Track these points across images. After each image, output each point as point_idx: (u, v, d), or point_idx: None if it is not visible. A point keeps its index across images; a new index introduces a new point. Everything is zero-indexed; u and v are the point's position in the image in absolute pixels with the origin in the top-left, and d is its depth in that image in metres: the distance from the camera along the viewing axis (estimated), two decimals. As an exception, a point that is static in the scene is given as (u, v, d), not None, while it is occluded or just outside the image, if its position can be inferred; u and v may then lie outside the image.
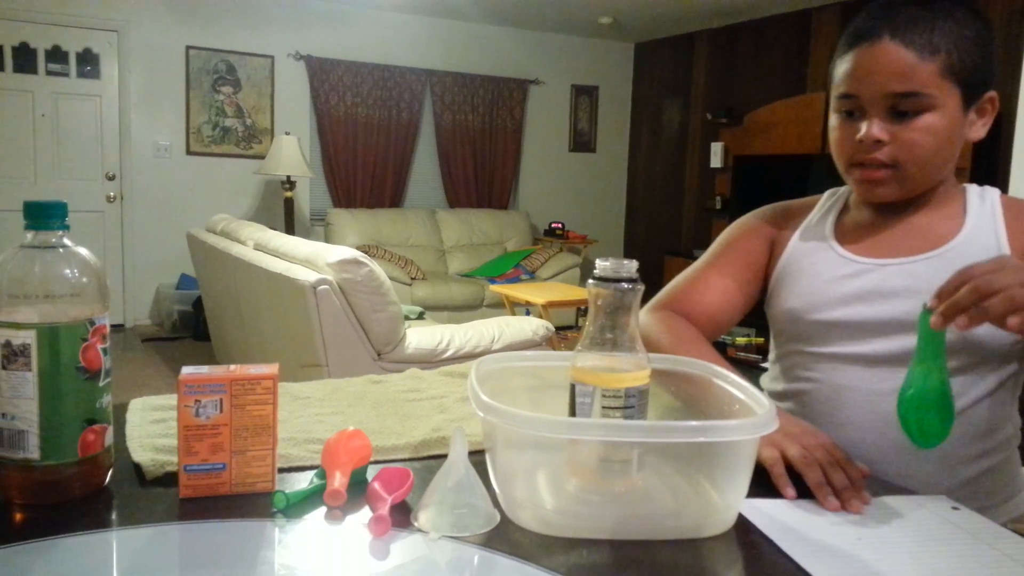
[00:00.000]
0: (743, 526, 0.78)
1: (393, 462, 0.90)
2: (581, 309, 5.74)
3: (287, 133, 5.90)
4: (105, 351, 0.79)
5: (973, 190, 1.13)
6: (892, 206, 1.10)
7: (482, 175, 7.05)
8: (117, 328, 5.92)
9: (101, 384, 0.79)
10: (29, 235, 0.77)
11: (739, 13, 6.34)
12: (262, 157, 6.00)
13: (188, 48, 5.91)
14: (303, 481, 0.84)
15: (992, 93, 1.05)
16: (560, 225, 7.17)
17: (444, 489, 0.76)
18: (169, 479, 0.82)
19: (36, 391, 0.74)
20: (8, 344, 0.73)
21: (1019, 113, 2.51)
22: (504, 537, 0.74)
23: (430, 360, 3.05)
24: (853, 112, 1.04)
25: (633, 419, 0.80)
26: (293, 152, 5.72)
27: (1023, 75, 2.51)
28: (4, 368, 0.74)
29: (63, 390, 0.75)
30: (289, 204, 5.82)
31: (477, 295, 5.92)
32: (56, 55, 5.56)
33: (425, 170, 6.88)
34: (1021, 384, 1.09)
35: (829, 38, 5.87)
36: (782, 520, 0.79)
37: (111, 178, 5.79)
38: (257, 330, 3.65)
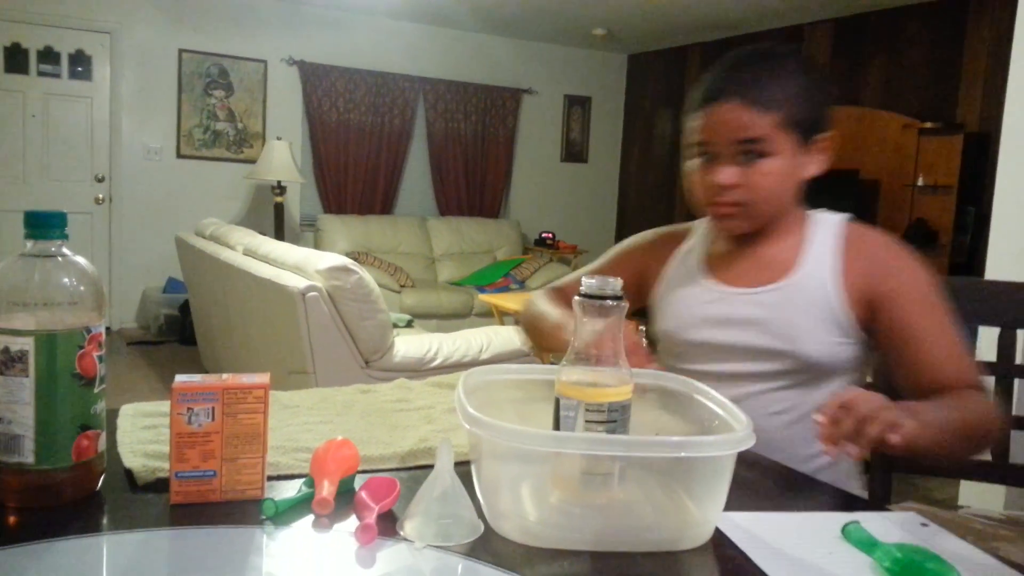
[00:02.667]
0: (720, 539, 0.80)
1: (380, 472, 0.92)
2: (569, 319, 5.74)
3: (279, 138, 5.91)
4: (100, 358, 0.80)
5: (816, 220, 1.27)
6: (744, 236, 1.25)
7: (473, 183, 7.08)
8: (104, 330, 5.90)
9: (96, 391, 0.80)
10: (29, 244, 0.78)
11: (732, 27, 6.40)
12: (253, 162, 6.00)
13: (181, 51, 5.91)
14: (292, 489, 0.85)
15: (828, 134, 1.21)
16: (551, 235, 7.19)
17: (430, 499, 0.78)
18: (160, 485, 0.83)
19: (32, 396, 0.76)
20: (6, 350, 0.75)
21: (1003, 133, 2.55)
22: (488, 547, 0.75)
23: (418, 369, 3.06)
24: (707, 155, 1.20)
25: (615, 433, 0.82)
26: (284, 157, 5.73)
27: (1007, 96, 2.55)
28: (2, 373, 0.75)
29: (59, 396, 0.77)
30: (279, 209, 5.83)
31: (466, 304, 5.93)
32: (48, 56, 5.56)
33: (416, 177, 6.90)
34: None
35: (821, 53, 5.93)
36: (757, 534, 0.81)
37: (100, 180, 5.78)
38: (245, 336, 3.66)
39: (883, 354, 1.21)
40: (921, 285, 1.17)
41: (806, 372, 1.18)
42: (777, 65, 1.17)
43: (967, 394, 1.10)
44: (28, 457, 0.76)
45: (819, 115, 1.19)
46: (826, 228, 1.25)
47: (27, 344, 0.75)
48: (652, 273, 1.36)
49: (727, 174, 1.16)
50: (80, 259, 0.80)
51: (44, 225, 0.78)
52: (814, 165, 1.22)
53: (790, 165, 1.17)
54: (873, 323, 1.18)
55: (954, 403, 1.07)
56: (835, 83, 5.77)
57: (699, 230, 1.36)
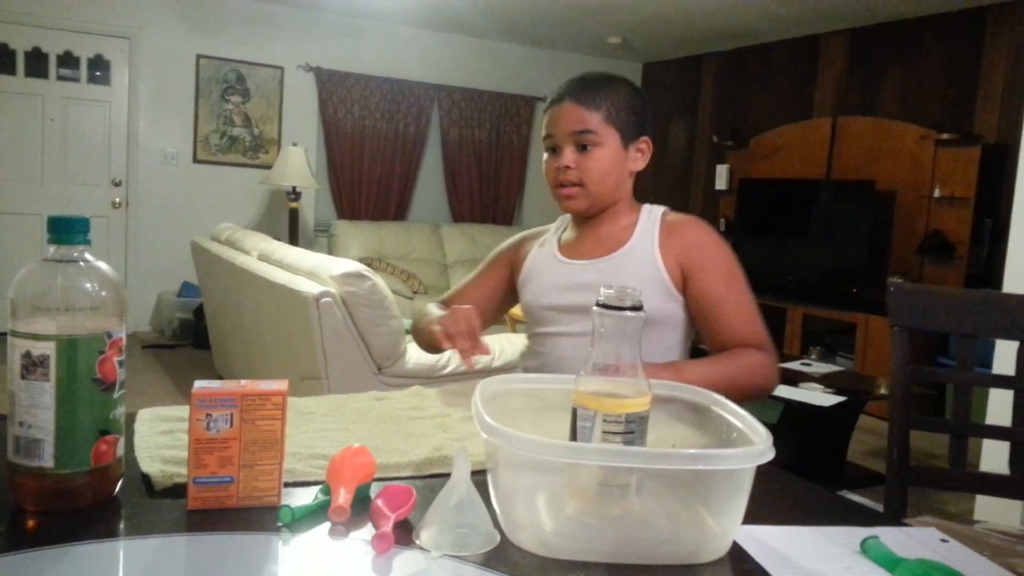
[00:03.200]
0: (738, 553, 0.79)
1: (396, 480, 0.92)
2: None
3: (294, 144, 5.94)
4: (120, 363, 0.81)
5: (646, 209, 1.54)
6: (586, 219, 1.54)
7: (487, 190, 7.09)
8: (119, 333, 5.93)
9: (116, 396, 0.81)
10: (52, 249, 0.79)
11: (747, 37, 6.39)
12: (268, 167, 6.03)
13: (199, 57, 5.96)
14: (308, 496, 0.85)
15: (646, 138, 1.51)
16: (563, 242, 7.18)
17: (446, 508, 0.77)
18: (177, 490, 0.84)
19: (53, 401, 0.76)
20: (28, 355, 0.75)
21: (1022, 145, 2.53)
22: (503, 557, 0.75)
23: (430, 376, 3.07)
24: (553, 149, 1.48)
25: (633, 445, 0.82)
26: (299, 163, 5.76)
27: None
28: (23, 378, 0.76)
29: (79, 401, 0.77)
30: (294, 215, 5.85)
31: (478, 310, 5.92)
32: (67, 60, 5.61)
33: (430, 184, 6.92)
34: (688, 348, 1.52)
35: (837, 64, 5.91)
36: (775, 548, 0.81)
37: (117, 184, 5.82)
38: (258, 341, 3.67)
39: (693, 317, 1.47)
40: (722, 260, 1.46)
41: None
42: (609, 81, 1.48)
43: (748, 352, 1.39)
44: (48, 461, 0.77)
45: (639, 121, 1.49)
46: (652, 214, 1.53)
47: (49, 349, 0.75)
48: (518, 268, 1.62)
49: (566, 158, 1.45)
50: (102, 264, 0.80)
51: (67, 230, 0.78)
52: (636, 162, 1.51)
53: (616, 156, 1.46)
54: (685, 290, 1.45)
55: (728, 359, 1.37)
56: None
57: (556, 225, 1.63)
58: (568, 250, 1.55)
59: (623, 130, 1.46)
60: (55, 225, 0.78)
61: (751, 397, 1.38)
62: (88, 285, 0.78)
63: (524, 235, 1.69)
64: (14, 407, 0.77)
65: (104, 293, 0.79)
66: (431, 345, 1.54)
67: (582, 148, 1.44)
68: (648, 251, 1.46)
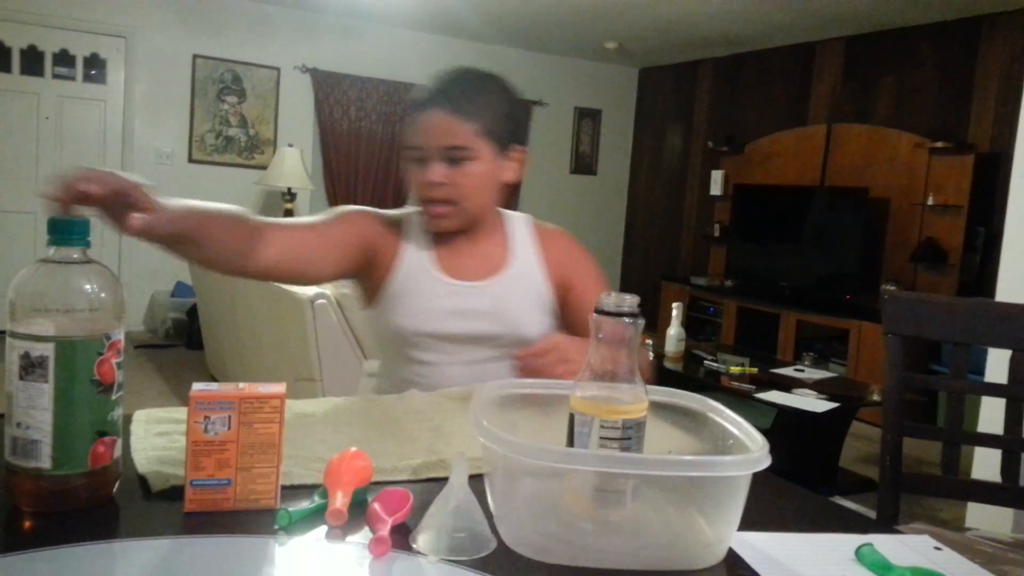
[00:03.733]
0: (733, 560, 0.80)
1: (392, 483, 0.92)
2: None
3: (290, 145, 5.94)
4: (119, 365, 0.81)
5: (511, 217, 1.49)
6: (456, 233, 1.41)
7: (482, 193, 7.09)
8: (112, 332, 5.92)
9: (113, 397, 0.81)
10: (51, 250, 0.79)
11: (744, 43, 6.42)
12: (264, 168, 6.03)
13: (195, 57, 5.95)
14: (305, 499, 0.85)
15: (521, 147, 1.42)
16: (558, 246, 7.20)
17: (443, 513, 0.78)
18: (174, 492, 0.84)
19: (51, 402, 0.76)
20: (27, 355, 0.75)
21: (1016, 154, 2.54)
22: (500, 562, 0.75)
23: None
24: (420, 160, 1.34)
25: (630, 451, 0.82)
26: (295, 164, 5.76)
27: (1020, 117, 2.55)
28: (21, 379, 0.76)
29: (77, 402, 0.77)
30: (289, 215, 5.85)
31: (473, 313, 5.93)
32: (63, 59, 5.60)
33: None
34: None
35: (832, 71, 5.94)
36: (771, 555, 0.81)
37: (113, 183, 5.81)
38: (252, 342, 3.66)
39: (567, 328, 1.44)
40: (595, 269, 1.48)
41: (519, 348, 1.27)
42: (481, 83, 1.37)
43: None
44: (45, 462, 0.77)
45: (514, 129, 1.39)
46: (520, 225, 1.48)
47: (47, 350, 0.75)
48: (382, 253, 1.40)
49: (437, 172, 1.32)
50: (102, 265, 0.80)
51: (67, 231, 0.78)
52: (510, 172, 1.41)
53: (490, 169, 1.36)
54: (563, 302, 1.44)
55: None
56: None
57: (412, 227, 1.43)
58: (448, 267, 1.41)
59: (498, 141, 1.36)
60: (55, 226, 0.78)
61: None
62: (87, 286, 0.78)
63: (385, 218, 1.44)
64: (12, 408, 0.77)
65: (103, 295, 0.79)
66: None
67: (453, 161, 1.33)
68: (534, 270, 1.44)
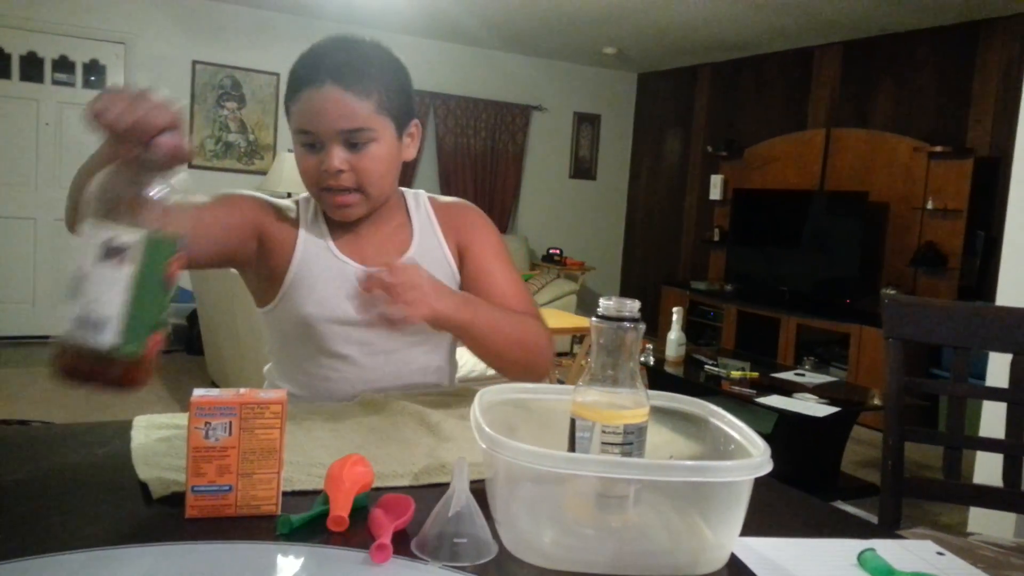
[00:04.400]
0: (735, 565, 0.79)
1: (394, 489, 0.91)
2: (576, 337, 5.76)
3: (289, 150, 5.93)
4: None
5: (408, 195, 1.41)
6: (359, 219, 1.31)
7: (482, 198, 7.10)
8: (111, 338, 5.92)
9: (168, 298, 0.81)
10: None
11: (742, 48, 6.43)
12: (264, 173, 6.03)
13: (194, 63, 5.96)
14: (306, 505, 0.85)
15: (416, 121, 1.32)
16: (558, 251, 7.21)
17: (445, 518, 0.77)
18: (175, 498, 0.83)
19: (130, 288, 0.76)
20: (110, 241, 0.76)
21: (1016, 158, 2.55)
22: (502, 568, 0.75)
23: (425, 383, 3.06)
24: (314, 144, 1.22)
25: (631, 456, 0.82)
26: (295, 169, 5.75)
27: (1019, 121, 2.55)
28: (101, 261, 0.76)
29: (148, 292, 0.77)
30: (289, 221, 5.85)
31: (473, 318, 5.92)
32: (63, 65, 5.61)
33: (426, 191, 6.92)
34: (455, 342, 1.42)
35: (831, 76, 5.95)
36: (773, 560, 0.81)
37: (113, 189, 5.81)
38: (253, 347, 3.66)
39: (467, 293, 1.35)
40: (495, 238, 1.41)
41: (434, 330, 1.24)
42: (371, 53, 1.25)
43: (529, 319, 1.31)
44: (109, 341, 0.76)
45: (409, 102, 1.28)
46: (417, 201, 1.41)
47: (137, 237, 0.77)
48: (275, 240, 1.30)
49: (337, 159, 1.20)
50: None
51: None
52: (410, 150, 1.32)
53: (393, 150, 1.26)
54: (461, 269, 1.38)
55: (518, 318, 1.28)
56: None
57: (306, 213, 1.33)
58: (350, 252, 1.31)
59: (397, 118, 1.25)
60: None
61: (532, 363, 1.30)
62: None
63: (274, 204, 1.34)
64: (84, 287, 0.77)
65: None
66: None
67: (352, 145, 1.20)
68: (437, 245, 1.37)
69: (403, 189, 1.41)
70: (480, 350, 1.25)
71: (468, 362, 3.21)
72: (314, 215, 1.34)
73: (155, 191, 0.81)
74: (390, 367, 1.33)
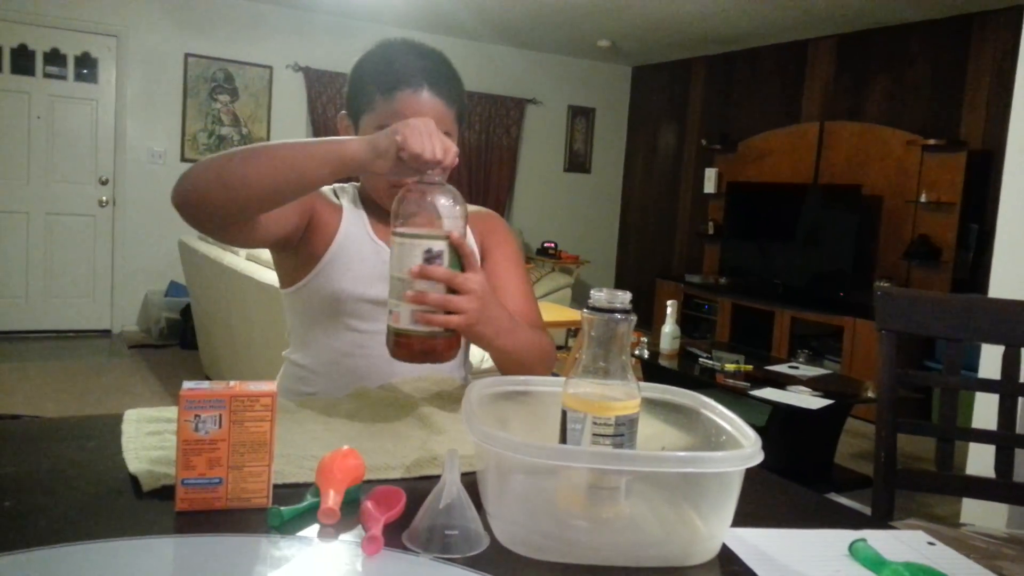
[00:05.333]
0: (727, 556, 0.80)
1: (385, 481, 0.91)
2: (571, 330, 5.76)
3: (283, 144, 5.92)
4: None
5: None
6: None
7: (477, 192, 7.09)
8: (104, 333, 5.90)
9: None
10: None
11: (736, 41, 6.42)
12: (257, 167, 6.01)
13: (187, 56, 5.93)
14: (297, 498, 0.85)
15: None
16: (553, 245, 7.20)
17: (436, 510, 0.77)
18: (165, 491, 0.83)
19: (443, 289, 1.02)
20: (430, 250, 1.00)
21: (1008, 151, 2.55)
22: (493, 560, 0.75)
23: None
24: None
25: (623, 447, 0.82)
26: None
27: (1011, 114, 2.55)
28: (424, 264, 1.00)
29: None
30: (283, 214, 5.83)
31: (467, 312, 5.92)
32: (54, 58, 5.58)
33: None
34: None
35: (825, 69, 5.95)
36: (764, 550, 0.81)
37: (104, 182, 5.79)
38: (246, 341, 3.65)
39: None
40: (512, 246, 1.47)
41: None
42: (452, 67, 1.36)
43: (541, 334, 1.35)
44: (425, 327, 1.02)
45: (466, 110, 1.39)
46: None
47: (446, 246, 1.01)
48: (323, 220, 1.35)
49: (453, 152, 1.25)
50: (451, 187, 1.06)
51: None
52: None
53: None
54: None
55: (536, 337, 1.31)
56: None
57: (344, 199, 1.39)
58: (386, 236, 1.27)
59: (461, 123, 1.37)
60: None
61: (535, 369, 1.30)
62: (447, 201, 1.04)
63: (322, 190, 1.40)
64: (415, 286, 1.00)
65: (458, 207, 1.04)
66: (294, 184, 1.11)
67: None
68: (467, 239, 1.40)
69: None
70: (497, 358, 1.27)
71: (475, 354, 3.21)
72: (353, 201, 1.40)
73: (445, 204, 1.02)
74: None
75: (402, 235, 1.01)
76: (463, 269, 1.04)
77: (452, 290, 1.03)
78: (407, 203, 1.02)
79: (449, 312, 1.03)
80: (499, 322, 1.14)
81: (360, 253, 1.34)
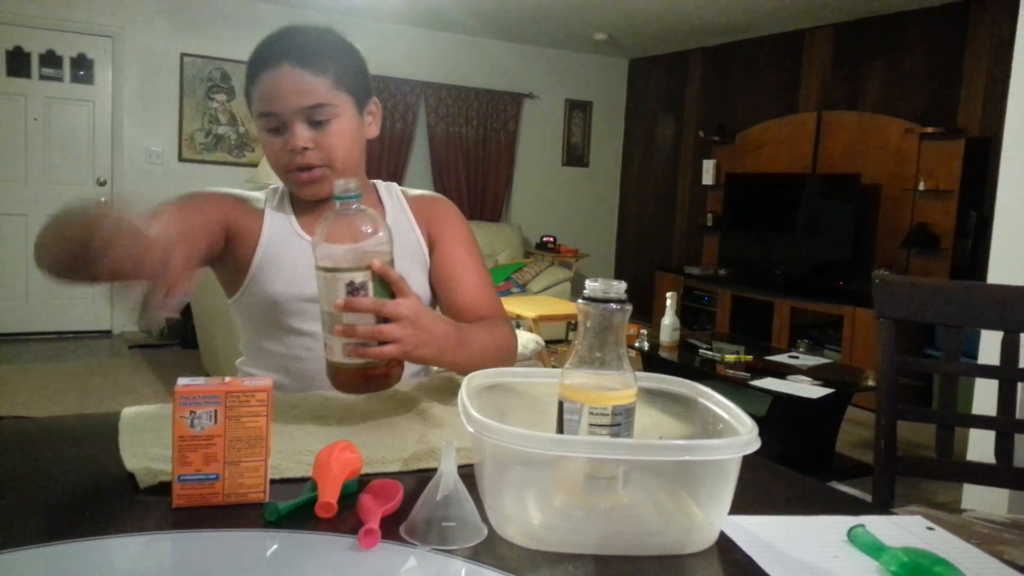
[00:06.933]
0: (725, 543, 0.79)
1: (383, 475, 0.91)
2: (571, 324, 5.76)
3: (280, 142, 5.91)
4: None
5: (380, 185, 1.44)
6: (322, 199, 1.31)
7: (475, 187, 7.08)
8: (104, 334, 5.90)
9: None
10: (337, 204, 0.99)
11: (733, 32, 6.41)
12: (254, 165, 6.01)
13: (183, 55, 5.93)
14: (294, 493, 0.85)
15: (375, 99, 1.34)
16: (552, 239, 7.20)
17: (433, 502, 0.77)
18: (162, 488, 0.83)
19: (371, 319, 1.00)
20: (352, 283, 0.98)
21: (1005, 138, 2.54)
22: (491, 551, 0.75)
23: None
24: (278, 128, 1.24)
25: (620, 437, 0.82)
26: (286, 161, 5.74)
27: (1008, 101, 2.55)
28: (348, 296, 0.98)
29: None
30: (281, 213, 5.83)
31: (467, 307, 5.92)
32: (50, 60, 5.57)
33: (418, 181, 6.91)
34: None
35: (821, 59, 5.94)
36: (763, 537, 0.81)
37: (102, 183, 5.79)
38: (247, 339, 3.65)
39: (435, 287, 1.39)
40: (465, 232, 1.42)
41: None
42: (324, 35, 1.28)
43: (497, 323, 1.32)
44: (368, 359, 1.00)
45: (366, 81, 1.31)
46: (390, 190, 1.44)
47: (368, 277, 0.98)
48: (244, 229, 1.31)
49: (302, 137, 1.22)
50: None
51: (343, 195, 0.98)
52: (372, 128, 1.35)
53: (355, 125, 1.28)
54: (431, 258, 1.39)
55: (492, 337, 1.26)
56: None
57: (271, 200, 1.36)
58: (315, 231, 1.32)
59: (356, 94, 1.28)
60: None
61: (495, 364, 1.24)
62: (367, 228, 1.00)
63: (239, 196, 1.37)
64: (343, 320, 0.97)
65: (381, 233, 1.01)
66: (77, 256, 0.91)
67: (315, 123, 1.23)
68: (409, 230, 1.38)
69: (374, 180, 1.44)
70: (449, 370, 1.23)
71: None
72: (280, 200, 1.36)
73: (365, 231, 0.99)
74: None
75: (323, 269, 0.98)
76: (392, 296, 1.00)
77: (384, 319, 0.99)
78: (325, 233, 0.98)
79: (383, 342, 0.99)
80: (441, 340, 1.08)
81: (290, 254, 1.30)
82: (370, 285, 0.98)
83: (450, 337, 1.11)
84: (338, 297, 0.97)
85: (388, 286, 1.00)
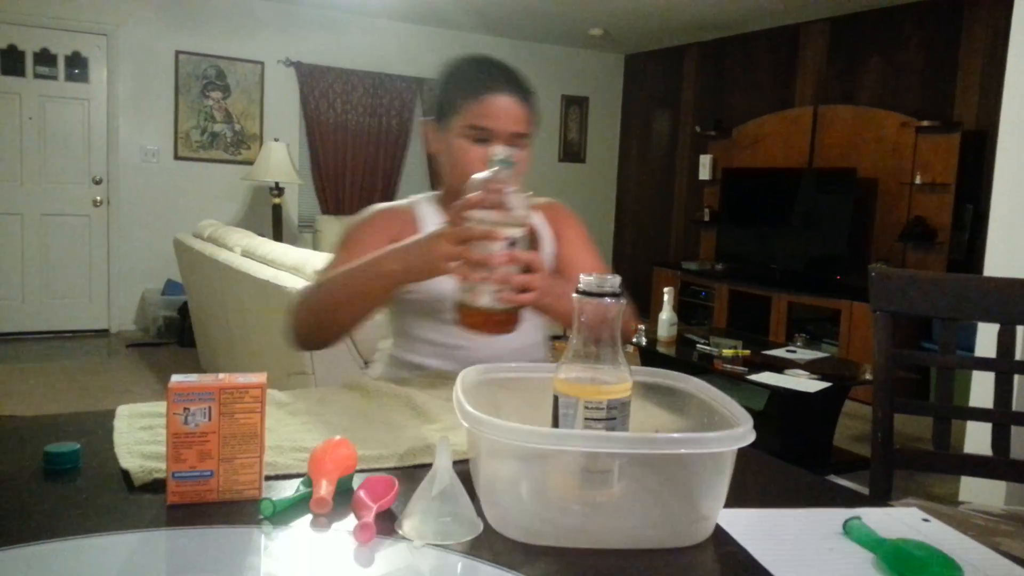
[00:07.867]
0: (720, 536, 0.79)
1: (379, 471, 0.91)
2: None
3: (276, 139, 5.90)
4: None
5: None
6: None
7: (471, 184, 7.07)
8: (101, 333, 5.89)
9: None
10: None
11: (729, 27, 6.40)
12: (251, 163, 6.00)
13: (178, 53, 5.91)
14: (289, 489, 0.85)
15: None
16: (548, 235, 7.19)
17: (429, 498, 0.77)
18: (157, 485, 0.83)
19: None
20: (513, 237, 1.06)
21: (1001, 131, 2.55)
22: (487, 545, 0.75)
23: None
24: (486, 140, 1.37)
25: (615, 430, 0.82)
26: (282, 158, 5.73)
27: (1003, 94, 2.55)
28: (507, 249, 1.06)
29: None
30: (277, 210, 5.82)
31: (464, 303, 5.92)
32: (44, 58, 5.55)
33: (414, 178, 6.90)
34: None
35: (817, 53, 5.93)
36: (758, 530, 0.81)
37: (98, 182, 5.77)
38: (243, 337, 3.65)
39: (560, 272, 1.52)
40: (579, 229, 1.60)
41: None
42: (522, 74, 1.46)
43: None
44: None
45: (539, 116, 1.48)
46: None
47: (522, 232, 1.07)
48: (400, 237, 1.36)
49: (514, 153, 1.30)
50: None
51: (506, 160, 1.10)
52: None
53: (528, 157, 1.44)
54: (556, 253, 1.54)
55: None
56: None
57: (425, 207, 1.51)
58: None
59: (536, 128, 1.46)
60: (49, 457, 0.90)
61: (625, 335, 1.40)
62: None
63: (385, 210, 1.53)
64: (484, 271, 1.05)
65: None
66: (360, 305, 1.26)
67: (513, 145, 1.36)
68: (544, 233, 1.54)
69: None
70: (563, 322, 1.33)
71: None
72: (435, 206, 1.51)
73: (519, 199, 1.09)
74: (500, 343, 1.33)
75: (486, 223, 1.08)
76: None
77: (524, 269, 1.11)
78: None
79: (523, 291, 1.10)
80: (556, 289, 1.20)
81: None
82: (521, 241, 1.09)
83: (562, 287, 1.21)
84: (499, 248, 1.06)
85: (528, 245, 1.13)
